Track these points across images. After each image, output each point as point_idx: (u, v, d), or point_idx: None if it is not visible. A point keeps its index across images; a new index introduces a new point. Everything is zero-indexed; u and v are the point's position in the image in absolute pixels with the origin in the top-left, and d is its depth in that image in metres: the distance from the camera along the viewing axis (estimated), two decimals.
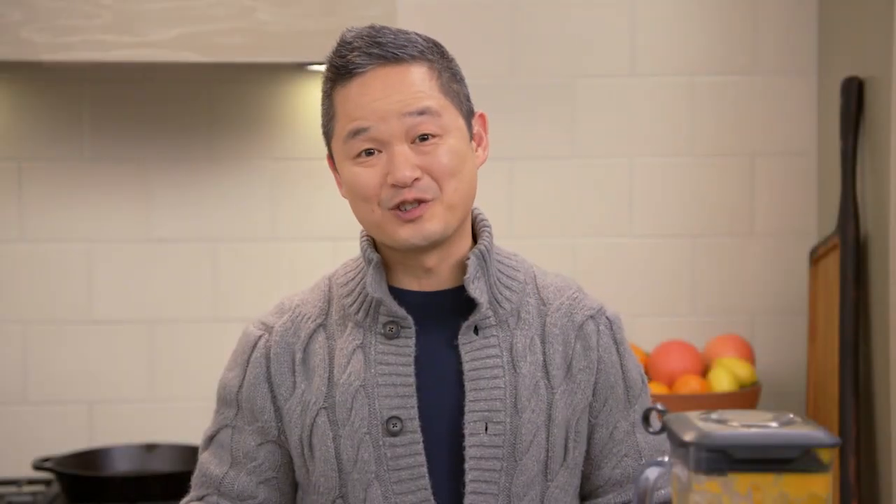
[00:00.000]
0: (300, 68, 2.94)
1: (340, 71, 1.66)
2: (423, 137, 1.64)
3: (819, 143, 3.04)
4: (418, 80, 1.65)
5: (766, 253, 3.07)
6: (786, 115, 3.06)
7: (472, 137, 1.71)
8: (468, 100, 1.72)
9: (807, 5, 3.03)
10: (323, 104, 1.70)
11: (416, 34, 1.68)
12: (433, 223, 1.65)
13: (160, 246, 2.99)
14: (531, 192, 3.04)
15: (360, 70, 1.64)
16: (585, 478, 1.78)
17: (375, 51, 1.64)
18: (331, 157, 1.73)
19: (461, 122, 1.69)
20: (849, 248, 2.80)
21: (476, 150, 1.72)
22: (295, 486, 1.77)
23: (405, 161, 1.63)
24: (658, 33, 3.04)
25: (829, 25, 2.98)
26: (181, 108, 3.00)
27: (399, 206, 1.64)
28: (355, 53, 1.64)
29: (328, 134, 1.70)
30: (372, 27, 1.68)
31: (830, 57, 2.98)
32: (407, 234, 1.65)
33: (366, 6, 2.63)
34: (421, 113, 1.64)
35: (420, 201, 1.64)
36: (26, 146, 2.98)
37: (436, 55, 1.68)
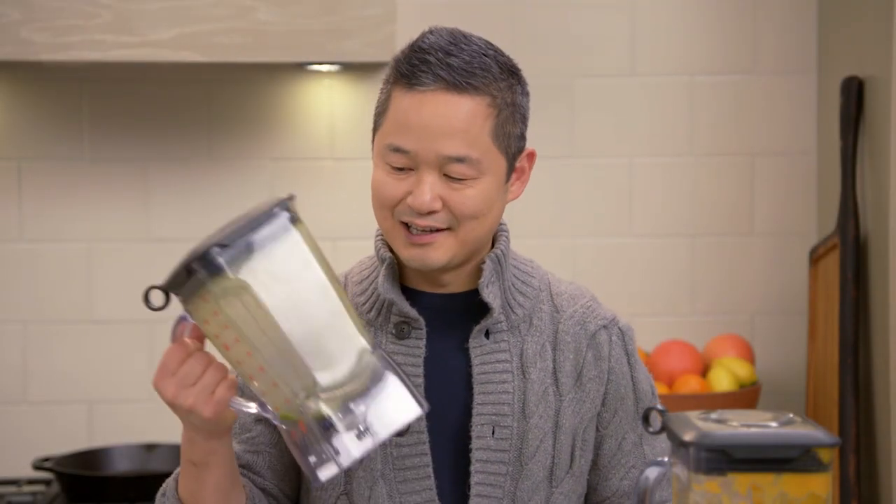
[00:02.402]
0: (300, 68, 2.94)
1: (403, 78, 1.63)
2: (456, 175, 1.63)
3: (819, 143, 3.04)
4: (470, 118, 1.61)
5: (766, 253, 3.07)
6: (786, 115, 3.06)
7: (510, 173, 1.69)
8: (522, 138, 1.68)
9: (807, 5, 3.03)
10: (382, 90, 1.68)
11: (496, 59, 1.64)
12: (439, 253, 1.64)
13: (160, 246, 2.99)
14: (531, 192, 3.01)
15: (422, 88, 1.61)
16: (593, 489, 1.77)
17: (443, 73, 1.61)
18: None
19: (502, 163, 1.66)
20: (849, 247, 2.80)
21: (512, 185, 1.70)
22: (290, 467, 1.74)
23: (429, 190, 1.61)
24: (658, 33, 3.04)
25: (829, 25, 2.98)
26: (181, 108, 3.00)
27: (408, 225, 1.64)
28: (423, 67, 1.61)
29: (377, 122, 1.68)
30: (453, 36, 1.64)
31: (830, 57, 2.98)
32: (409, 255, 1.65)
33: (366, 6, 2.63)
34: (459, 160, 1.62)
35: (432, 230, 1.63)
36: (26, 146, 2.98)
37: (504, 89, 1.64)
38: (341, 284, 1.51)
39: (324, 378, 1.45)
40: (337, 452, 1.45)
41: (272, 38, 2.64)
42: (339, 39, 2.64)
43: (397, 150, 1.63)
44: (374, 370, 1.48)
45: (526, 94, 1.69)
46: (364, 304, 1.72)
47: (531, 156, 1.73)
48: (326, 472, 1.47)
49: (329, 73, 2.97)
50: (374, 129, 1.69)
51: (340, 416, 1.45)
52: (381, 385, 1.48)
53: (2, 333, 2.98)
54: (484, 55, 1.63)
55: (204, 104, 3.00)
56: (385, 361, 1.49)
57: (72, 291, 2.99)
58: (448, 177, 1.63)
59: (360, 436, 1.45)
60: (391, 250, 1.72)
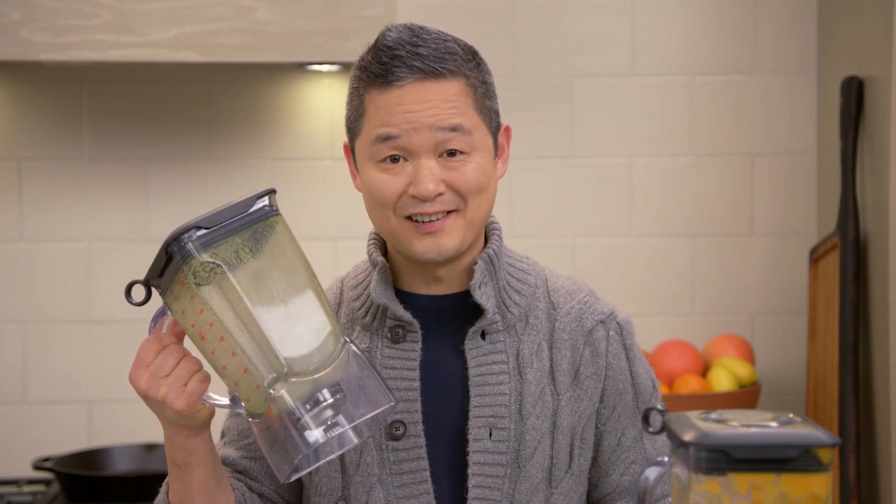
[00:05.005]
0: (300, 68, 2.94)
1: (378, 79, 1.62)
2: (451, 153, 1.62)
3: (819, 143, 3.04)
4: (454, 95, 1.63)
5: (766, 253, 3.07)
6: (786, 115, 3.06)
7: (496, 153, 1.70)
8: (497, 115, 1.70)
9: (807, 5, 3.04)
10: (352, 99, 1.67)
11: (455, 42, 1.66)
12: (451, 238, 1.63)
13: (160, 246, 2.99)
14: (531, 191, 3.04)
15: (399, 83, 1.61)
16: (594, 485, 1.77)
17: (417, 64, 1.61)
18: (349, 147, 1.71)
19: (490, 140, 1.67)
20: (849, 247, 2.80)
21: (497, 164, 1.71)
22: None
23: (430, 175, 1.61)
24: (658, 33, 3.04)
25: (829, 25, 2.98)
26: (181, 108, 3.00)
27: (413, 217, 1.63)
28: (396, 63, 1.61)
29: (353, 129, 1.68)
30: (411, 30, 1.65)
31: (830, 57, 2.98)
32: (423, 247, 1.63)
33: (366, 6, 2.63)
34: (453, 129, 1.62)
35: (444, 212, 1.62)
36: (26, 146, 2.98)
37: (473, 69, 1.66)
38: (316, 276, 1.51)
39: (293, 364, 1.45)
40: (302, 440, 1.45)
41: (272, 38, 2.64)
42: (339, 39, 2.64)
43: (387, 138, 1.62)
44: (345, 361, 1.48)
45: (489, 72, 1.70)
46: (359, 308, 1.72)
47: (507, 130, 1.73)
48: (292, 463, 1.47)
49: (329, 73, 2.97)
50: (353, 137, 1.68)
51: (308, 404, 1.45)
52: (350, 376, 1.48)
53: (2, 333, 2.98)
54: (446, 41, 1.65)
55: (204, 104, 3.00)
56: (356, 353, 1.49)
57: (72, 291, 2.99)
58: (445, 158, 1.62)
59: (326, 425, 1.46)
60: (384, 253, 1.71)
